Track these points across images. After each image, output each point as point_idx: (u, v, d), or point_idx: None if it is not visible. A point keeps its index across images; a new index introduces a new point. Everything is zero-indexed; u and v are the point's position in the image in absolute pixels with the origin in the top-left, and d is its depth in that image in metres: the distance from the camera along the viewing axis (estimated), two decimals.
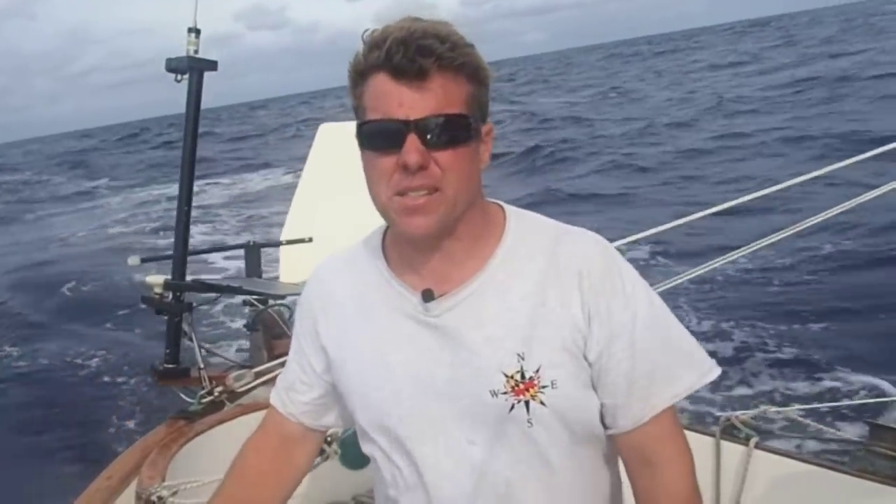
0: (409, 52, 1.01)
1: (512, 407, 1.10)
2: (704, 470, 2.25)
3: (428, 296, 1.12)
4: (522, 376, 1.09)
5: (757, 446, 2.39)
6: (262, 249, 4.01)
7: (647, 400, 1.14)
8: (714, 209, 2.88)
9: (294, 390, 1.31)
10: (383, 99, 1.04)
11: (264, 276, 4.04)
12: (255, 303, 3.60)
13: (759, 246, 3.00)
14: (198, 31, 2.85)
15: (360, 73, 1.07)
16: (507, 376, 1.10)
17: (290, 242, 3.85)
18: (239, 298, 4.32)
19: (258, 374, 2.72)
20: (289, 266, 3.89)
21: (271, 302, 3.56)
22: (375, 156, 1.08)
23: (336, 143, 4.11)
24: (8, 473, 5.42)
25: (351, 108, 1.13)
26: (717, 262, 2.94)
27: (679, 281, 2.71)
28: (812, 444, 2.54)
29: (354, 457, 2.74)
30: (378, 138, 1.06)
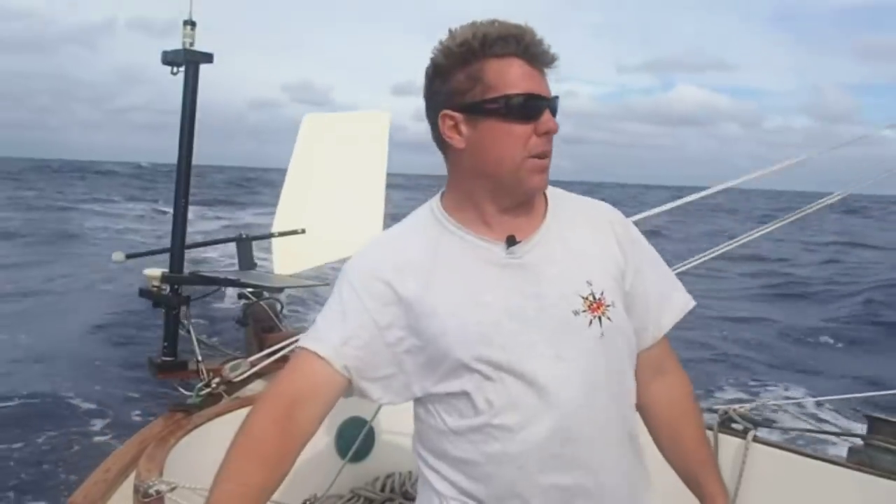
0: (543, 45, 1.30)
1: (590, 322, 1.33)
2: None
3: (511, 241, 1.35)
4: (594, 297, 1.34)
5: (755, 439, 2.39)
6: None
7: (659, 321, 1.47)
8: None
9: (350, 345, 1.32)
10: (526, 79, 1.29)
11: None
12: (251, 296, 3.59)
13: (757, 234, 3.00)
14: (193, 24, 2.84)
15: (481, 57, 1.29)
16: (583, 297, 1.34)
17: (282, 234, 3.83)
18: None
19: (253, 364, 2.72)
20: (282, 258, 3.87)
21: (266, 294, 3.55)
22: (516, 124, 1.30)
23: (321, 133, 4.10)
24: (5, 468, 5.42)
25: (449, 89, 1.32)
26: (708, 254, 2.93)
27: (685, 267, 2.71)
28: (810, 437, 2.54)
29: (354, 451, 2.75)
30: (524, 109, 1.29)
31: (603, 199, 1.56)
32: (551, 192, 1.44)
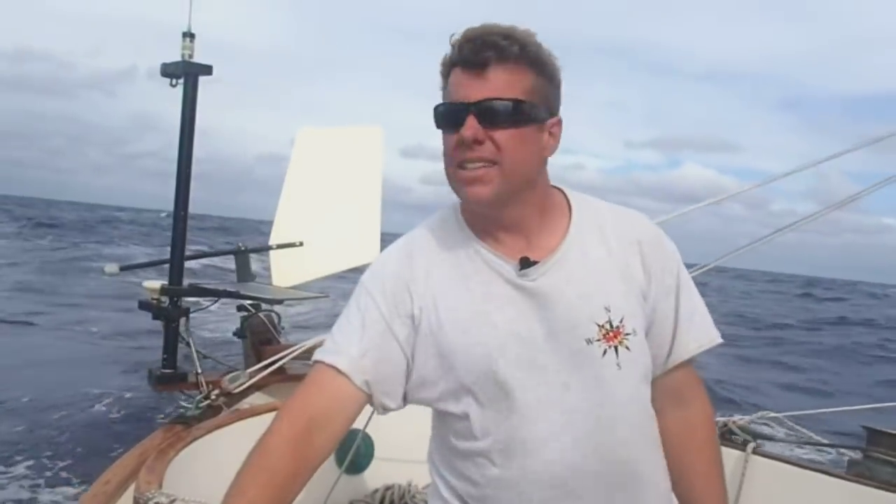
0: (474, 47, 1.21)
1: (604, 352, 1.26)
2: None
3: (525, 262, 1.27)
4: (611, 325, 1.27)
5: (754, 451, 2.39)
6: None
7: (678, 350, 1.36)
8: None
9: (369, 357, 1.28)
10: (455, 88, 1.24)
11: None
12: (250, 308, 3.59)
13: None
14: (192, 36, 2.85)
15: (445, 71, 1.27)
16: (598, 325, 1.26)
17: (280, 247, 3.83)
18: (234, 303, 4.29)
19: (252, 375, 2.72)
20: (280, 270, 3.87)
21: (264, 307, 3.55)
22: (445, 135, 1.26)
23: (315, 147, 4.12)
24: (6, 478, 5.41)
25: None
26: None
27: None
28: (810, 450, 2.54)
29: (353, 462, 2.75)
30: (445, 119, 1.26)
31: None
32: (579, 201, 1.37)
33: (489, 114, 1.21)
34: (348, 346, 1.29)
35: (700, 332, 1.38)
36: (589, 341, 1.26)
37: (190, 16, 2.86)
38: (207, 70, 2.92)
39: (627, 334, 1.27)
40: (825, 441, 2.60)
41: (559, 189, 1.39)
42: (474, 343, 1.26)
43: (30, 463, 5.67)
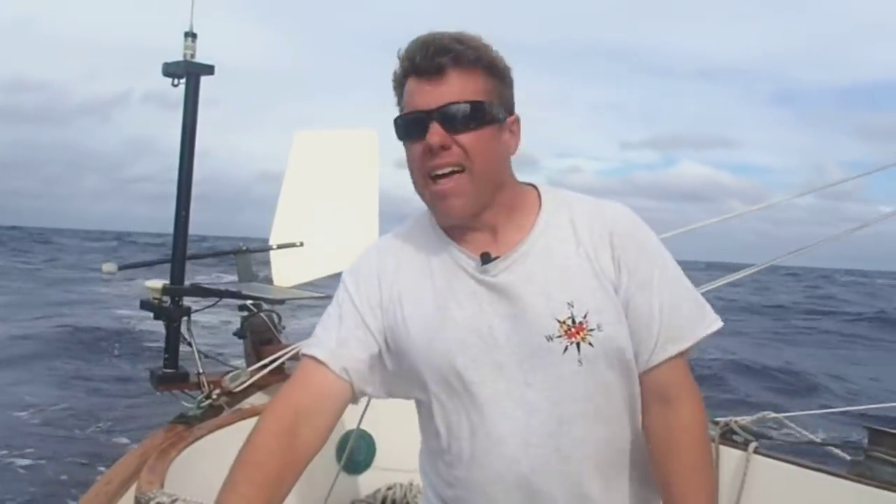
0: (428, 53, 1.20)
1: (565, 349, 1.24)
2: None
3: (486, 258, 1.27)
4: (573, 321, 1.24)
5: (756, 451, 2.39)
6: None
7: (663, 343, 1.29)
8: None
9: (346, 346, 1.31)
10: (412, 97, 1.24)
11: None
12: (251, 308, 3.59)
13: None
14: (194, 35, 2.85)
15: (398, 84, 1.27)
16: (559, 322, 1.24)
17: (281, 247, 3.85)
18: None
19: (252, 373, 2.72)
20: (281, 270, 3.89)
21: (265, 306, 3.55)
22: (409, 146, 1.26)
23: (312, 149, 4.15)
24: (10, 478, 5.41)
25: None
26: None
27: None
28: (811, 450, 2.54)
29: (354, 462, 2.75)
30: (407, 129, 1.25)
31: None
32: (551, 196, 1.36)
33: (452, 118, 1.21)
34: (327, 338, 1.32)
35: (682, 330, 1.30)
36: (549, 338, 1.24)
37: (192, 15, 2.86)
38: (209, 70, 2.92)
39: (591, 330, 1.24)
40: (827, 441, 2.59)
41: (533, 186, 1.39)
42: (434, 338, 1.27)
43: None
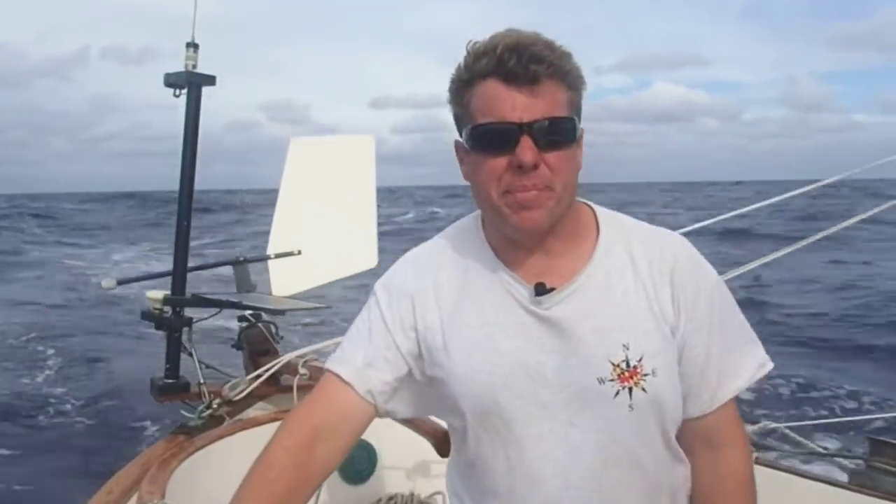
0: (522, 59, 1.09)
1: (617, 393, 1.17)
2: None
3: (541, 289, 1.19)
4: (628, 364, 1.17)
5: (756, 461, 2.38)
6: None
7: (716, 390, 1.24)
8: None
9: (374, 367, 1.24)
10: (496, 103, 1.12)
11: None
12: (249, 318, 3.59)
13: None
14: (196, 46, 2.85)
15: (467, 81, 1.15)
16: (613, 364, 1.17)
17: (278, 256, 3.85)
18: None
19: (251, 382, 2.72)
20: (279, 280, 3.89)
21: (265, 317, 3.55)
22: (487, 157, 1.14)
23: (308, 157, 4.16)
24: (12, 487, 5.41)
25: (454, 117, 1.21)
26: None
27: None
28: (812, 460, 2.54)
29: (355, 472, 2.75)
30: (492, 140, 1.13)
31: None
32: (608, 220, 1.28)
33: (546, 135, 1.11)
34: (354, 356, 1.26)
35: (737, 376, 1.26)
36: (601, 381, 1.17)
37: (194, 26, 2.86)
38: (211, 80, 2.92)
39: (645, 375, 1.18)
40: (828, 451, 2.59)
41: (587, 205, 1.30)
42: (478, 370, 1.21)
43: None
